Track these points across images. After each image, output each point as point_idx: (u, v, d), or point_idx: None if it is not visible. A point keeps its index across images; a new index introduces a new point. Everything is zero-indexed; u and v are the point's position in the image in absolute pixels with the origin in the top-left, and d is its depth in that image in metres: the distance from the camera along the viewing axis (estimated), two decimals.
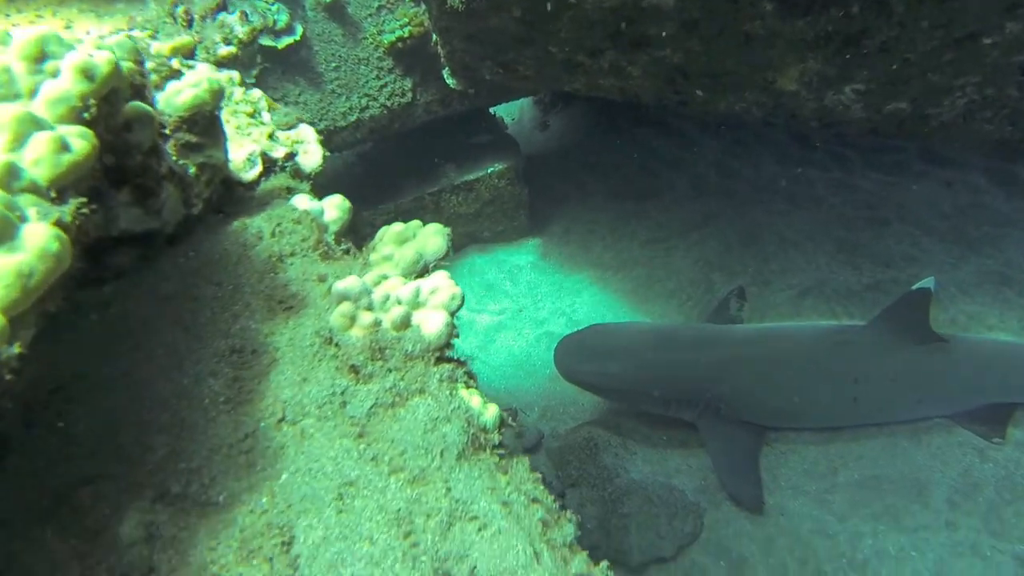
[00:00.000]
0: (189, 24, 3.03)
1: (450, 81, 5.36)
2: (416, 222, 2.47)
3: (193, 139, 2.24)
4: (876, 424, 4.69)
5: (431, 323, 2.12)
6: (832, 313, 5.33)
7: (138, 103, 2.11)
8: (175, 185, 2.23)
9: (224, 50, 3.06)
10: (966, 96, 4.44)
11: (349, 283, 2.14)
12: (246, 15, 3.21)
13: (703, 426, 4.66)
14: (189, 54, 2.91)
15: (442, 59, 5.30)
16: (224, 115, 2.78)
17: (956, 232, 5.67)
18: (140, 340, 2.19)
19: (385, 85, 5.37)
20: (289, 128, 3.01)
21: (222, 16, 3.14)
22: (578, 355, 4.74)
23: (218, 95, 2.27)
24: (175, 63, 2.79)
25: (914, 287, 4.37)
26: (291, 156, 2.87)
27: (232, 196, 2.68)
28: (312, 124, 5.22)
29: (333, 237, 2.52)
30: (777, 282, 5.64)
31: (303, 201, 2.54)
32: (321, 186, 6.38)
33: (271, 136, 2.85)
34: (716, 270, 5.85)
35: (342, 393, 2.04)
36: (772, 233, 5.98)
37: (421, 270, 2.28)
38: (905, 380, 4.48)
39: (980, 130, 4.77)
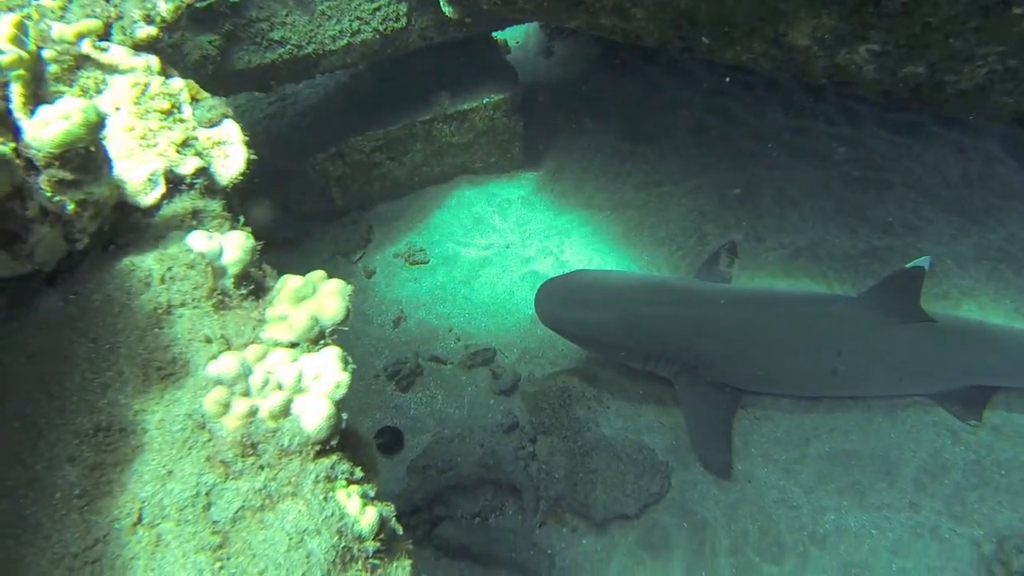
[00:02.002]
0: None
1: (446, 9, 5.07)
2: (317, 275, 2.20)
3: (68, 176, 1.93)
4: (854, 397, 4.64)
5: (312, 414, 1.89)
6: (824, 277, 5.21)
7: None
8: (50, 224, 2.00)
9: (143, 31, 2.66)
10: (987, 65, 4.22)
11: (224, 366, 1.89)
12: None
13: (679, 384, 4.61)
14: (102, 35, 2.56)
15: None
16: (130, 118, 2.50)
17: (961, 202, 5.49)
18: None
19: (378, 8, 5.07)
20: (212, 125, 2.67)
21: None
22: (558, 301, 4.63)
23: (94, 128, 1.92)
24: (85, 46, 2.50)
25: (908, 264, 4.24)
26: (202, 171, 2.50)
27: (127, 223, 2.38)
28: (298, 47, 5.03)
29: (232, 281, 2.22)
30: (771, 239, 5.49)
31: (199, 241, 2.24)
32: (307, 111, 6.22)
33: (184, 143, 2.49)
34: (710, 221, 5.69)
35: (207, 493, 1.83)
36: (771, 187, 5.78)
37: (316, 336, 2.05)
38: (888, 357, 4.40)
39: (999, 102, 4.56)
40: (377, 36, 5.17)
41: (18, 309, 2.12)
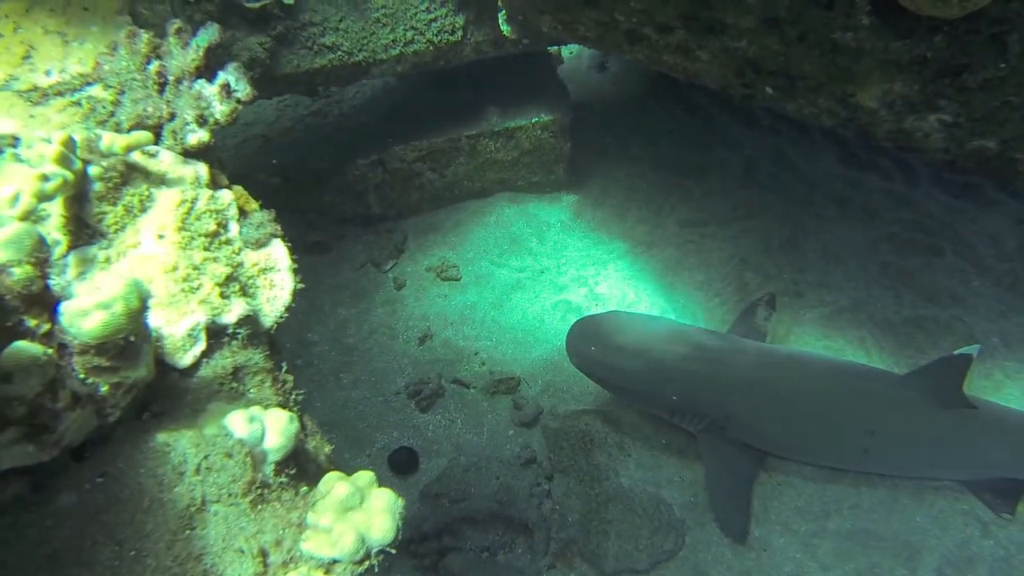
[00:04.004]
0: (162, 88, 2.41)
1: (505, 28, 4.95)
2: (365, 478, 2.02)
3: (104, 363, 1.80)
4: (883, 475, 4.51)
5: None
6: (862, 342, 5.06)
7: (20, 347, 1.68)
8: (82, 407, 1.85)
9: (195, 136, 2.39)
10: None
11: None
12: (228, 88, 2.64)
13: (704, 442, 4.51)
14: (151, 142, 2.39)
15: (499, 2, 4.88)
16: (173, 252, 2.33)
17: (1013, 277, 5.29)
18: None
19: (435, 19, 4.96)
20: (260, 247, 2.50)
21: (200, 85, 2.52)
22: (591, 342, 4.53)
23: (136, 315, 1.77)
24: (135, 157, 2.33)
25: (957, 352, 4.10)
26: (247, 319, 2.28)
27: (163, 385, 2.20)
28: (349, 54, 4.92)
29: (272, 468, 2.07)
30: (811, 295, 5.34)
31: (239, 424, 2.05)
32: (352, 112, 6.12)
33: (228, 279, 2.29)
34: (751, 269, 5.54)
35: None
36: (816, 240, 5.62)
37: (362, 558, 1.88)
38: (923, 442, 4.27)
39: None
40: (431, 48, 5.06)
41: (41, 492, 1.92)
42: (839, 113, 4.43)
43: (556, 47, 7.16)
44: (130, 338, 1.83)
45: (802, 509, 4.45)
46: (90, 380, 1.82)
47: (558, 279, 5.80)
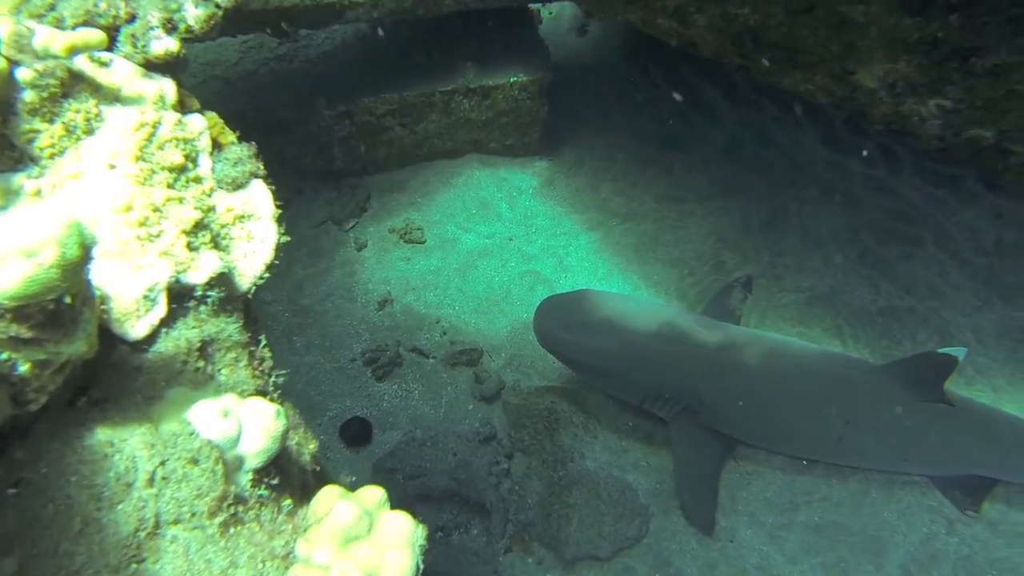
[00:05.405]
0: None
1: None
2: (373, 497, 1.58)
3: (26, 333, 1.24)
4: (853, 467, 4.40)
5: None
6: (838, 330, 4.92)
7: None
8: None
9: (160, 45, 1.93)
10: None
11: None
12: None
13: (675, 428, 4.33)
14: (103, 46, 1.80)
15: None
16: (128, 188, 1.77)
17: (990, 272, 5.20)
18: None
19: None
20: (236, 188, 1.97)
21: None
22: (560, 321, 4.28)
23: (75, 269, 1.22)
24: (79, 62, 1.76)
25: (942, 350, 3.97)
26: (219, 279, 1.75)
27: (107, 363, 1.65)
28: None
29: (250, 478, 1.58)
30: (789, 280, 5.18)
31: (209, 421, 1.54)
32: (320, 59, 5.71)
33: (197, 226, 1.77)
34: (729, 249, 5.35)
35: None
36: (797, 223, 5.45)
37: None
38: (897, 435, 4.14)
39: None
40: None
41: None
42: (836, 91, 4.25)
43: (538, 4, 6.84)
44: (64, 300, 1.29)
45: (770, 500, 4.31)
46: (3, 355, 1.29)
47: (527, 248, 5.54)
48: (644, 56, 6.67)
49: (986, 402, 4.49)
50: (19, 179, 1.73)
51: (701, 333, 4.30)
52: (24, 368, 1.32)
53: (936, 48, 3.54)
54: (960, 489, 4.32)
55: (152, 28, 2.00)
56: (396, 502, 4.24)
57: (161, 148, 1.88)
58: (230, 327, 1.83)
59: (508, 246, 5.54)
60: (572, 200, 5.82)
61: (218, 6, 2.06)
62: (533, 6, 6.47)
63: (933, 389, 4.00)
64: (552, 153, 6.12)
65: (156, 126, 1.90)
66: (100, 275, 1.69)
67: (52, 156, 1.78)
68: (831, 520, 4.22)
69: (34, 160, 1.76)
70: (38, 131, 1.75)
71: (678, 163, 5.90)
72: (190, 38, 2.07)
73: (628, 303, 4.50)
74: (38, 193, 1.74)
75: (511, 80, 5.51)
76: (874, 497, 4.32)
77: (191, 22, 2.07)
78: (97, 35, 1.78)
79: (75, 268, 1.24)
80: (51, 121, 1.77)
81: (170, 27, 2.02)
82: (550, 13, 7.31)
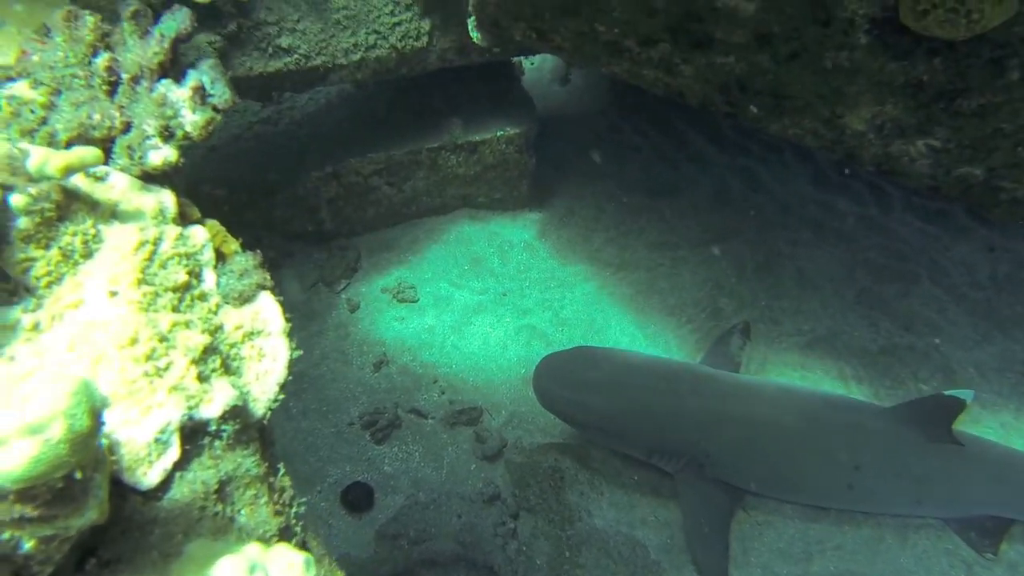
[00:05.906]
0: (113, 89, 1.86)
1: (474, 35, 4.64)
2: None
3: (32, 513, 1.14)
4: (865, 512, 4.31)
5: None
6: (840, 372, 4.87)
7: None
8: None
9: (158, 156, 1.84)
10: None
11: None
12: (203, 91, 2.00)
13: (682, 481, 4.25)
14: (100, 161, 1.71)
15: (470, 7, 4.58)
16: (132, 318, 1.67)
17: (988, 306, 5.19)
18: None
19: (399, 23, 4.62)
20: (244, 302, 1.87)
21: (165, 86, 1.93)
22: (559, 380, 4.26)
23: (84, 442, 1.11)
24: (77, 182, 1.67)
25: (948, 392, 3.94)
26: (233, 410, 1.63)
27: (119, 517, 1.50)
28: (307, 57, 4.55)
29: None
30: (787, 324, 5.14)
31: None
32: (305, 121, 5.69)
33: (206, 351, 1.66)
34: (725, 295, 5.32)
35: None
36: (792, 266, 5.44)
37: None
38: (909, 479, 4.08)
39: None
40: (393, 53, 4.71)
41: None
42: (825, 135, 4.27)
43: (519, 58, 6.90)
44: (74, 475, 1.17)
45: (784, 551, 4.21)
46: (6, 535, 1.16)
47: (521, 302, 5.49)
48: (627, 103, 6.73)
49: (995, 439, 4.44)
50: (15, 313, 1.64)
51: (702, 385, 4.26)
52: (29, 545, 1.21)
53: (922, 90, 3.58)
54: (976, 531, 4.24)
55: (149, 137, 1.92)
56: (402, 569, 4.06)
57: (163, 267, 1.82)
58: (247, 461, 1.72)
59: (502, 301, 5.49)
60: (565, 251, 5.80)
61: (216, 109, 1.99)
62: (515, 59, 6.54)
63: (942, 431, 3.96)
64: (542, 205, 6.11)
65: (157, 243, 1.83)
66: (108, 421, 1.59)
67: (49, 284, 1.70)
68: (847, 569, 4.12)
69: (30, 291, 1.68)
70: (34, 259, 1.68)
71: (668, 210, 5.90)
72: (188, 144, 1.97)
73: (627, 358, 4.46)
74: (36, 327, 1.65)
75: (498, 134, 5.53)
76: (889, 543, 4.23)
77: (189, 128, 1.99)
78: (93, 152, 1.71)
79: (86, 440, 1.13)
80: (47, 247, 1.71)
81: (167, 135, 1.93)
82: (532, 64, 7.38)
